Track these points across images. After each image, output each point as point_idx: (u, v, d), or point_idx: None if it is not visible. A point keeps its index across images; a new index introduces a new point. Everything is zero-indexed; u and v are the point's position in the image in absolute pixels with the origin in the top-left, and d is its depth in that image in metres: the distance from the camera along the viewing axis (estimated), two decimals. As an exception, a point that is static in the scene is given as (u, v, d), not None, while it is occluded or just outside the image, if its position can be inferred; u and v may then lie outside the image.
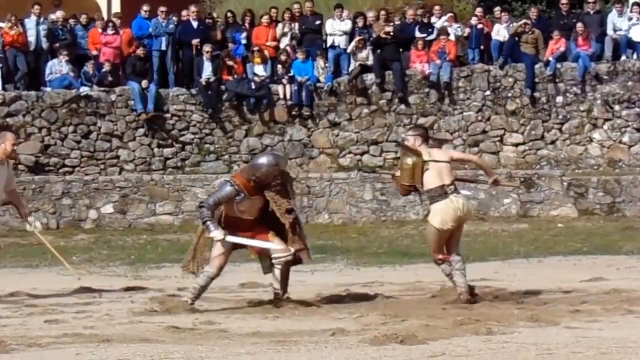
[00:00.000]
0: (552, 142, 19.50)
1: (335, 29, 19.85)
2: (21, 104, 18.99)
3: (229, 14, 20.26)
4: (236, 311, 9.38)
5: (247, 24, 20.00)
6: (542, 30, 19.79)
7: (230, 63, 19.29)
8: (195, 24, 19.62)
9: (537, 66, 19.51)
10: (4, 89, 19.11)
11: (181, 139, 19.40)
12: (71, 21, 19.85)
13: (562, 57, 19.55)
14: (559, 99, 19.53)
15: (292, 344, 7.37)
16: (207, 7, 21.27)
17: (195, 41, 19.39)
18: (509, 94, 19.59)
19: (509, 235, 16.89)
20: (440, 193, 9.48)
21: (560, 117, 19.54)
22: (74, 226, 18.08)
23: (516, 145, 19.53)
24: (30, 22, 19.40)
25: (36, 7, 19.51)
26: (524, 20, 19.90)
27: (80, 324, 8.55)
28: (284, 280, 9.57)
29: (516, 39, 19.62)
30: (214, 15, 20.40)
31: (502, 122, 19.60)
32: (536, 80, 19.48)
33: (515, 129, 19.57)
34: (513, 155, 19.49)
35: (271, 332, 8.00)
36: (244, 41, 19.73)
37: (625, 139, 19.39)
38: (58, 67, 19.15)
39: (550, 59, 19.44)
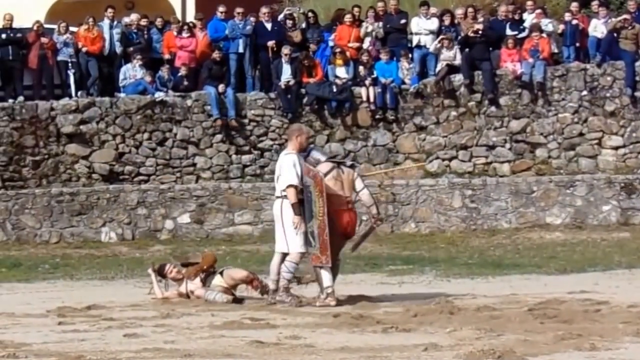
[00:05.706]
0: (655, 145, 19.19)
1: (421, 27, 19.79)
2: (95, 110, 19.29)
3: (309, 14, 20.34)
4: (322, 325, 9.40)
5: (336, 23, 19.93)
6: (642, 25, 19.48)
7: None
8: (269, 25, 19.67)
9: (637, 64, 19.19)
10: (77, 95, 19.41)
11: (260, 145, 19.51)
12: (145, 23, 20.02)
13: (665, 54, 19.24)
14: (662, 98, 19.20)
15: (383, 359, 7.37)
16: (285, 7, 21.31)
17: (270, 43, 19.47)
18: (608, 94, 19.30)
19: (608, 244, 16.67)
20: None
21: (664, 117, 19.22)
22: (149, 237, 18.30)
23: (616, 148, 19.23)
24: (104, 26, 19.65)
25: (110, 10, 19.76)
26: (624, 16, 19.58)
27: (160, 338, 8.65)
28: None
29: (615, 35, 19.34)
30: (294, 15, 20.45)
31: (601, 124, 19.32)
32: (637, 78, 19.17)
33: (614, 131, 19.27)
34: (612, 159, 19.19)
35: (360, 347, 7.99)
36: (331, 43, 19.73)
37: None
38: (132, 72, 19.37)
39: (653, 55, 19.15)
